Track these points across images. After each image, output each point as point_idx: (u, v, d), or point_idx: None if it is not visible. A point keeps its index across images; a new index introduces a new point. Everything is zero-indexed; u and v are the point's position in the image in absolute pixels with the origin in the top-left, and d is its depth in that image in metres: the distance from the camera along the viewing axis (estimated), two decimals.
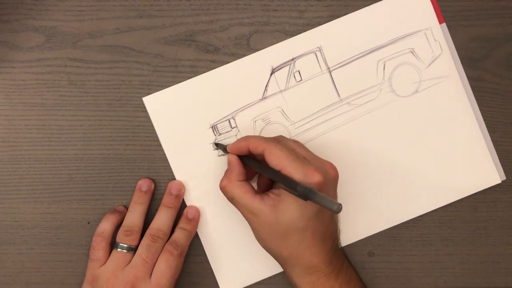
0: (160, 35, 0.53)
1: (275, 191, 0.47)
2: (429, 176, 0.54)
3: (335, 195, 0.49)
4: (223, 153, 0.52)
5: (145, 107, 0.53)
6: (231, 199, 0.48)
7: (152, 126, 0.53)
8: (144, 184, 0.52)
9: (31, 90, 0.53)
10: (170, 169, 0.53)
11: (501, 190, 0.55)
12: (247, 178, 0.49)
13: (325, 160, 0.48)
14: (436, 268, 0.55)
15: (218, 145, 0.52)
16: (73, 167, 0.53)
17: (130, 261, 0.50)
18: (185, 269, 0.52)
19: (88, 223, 0.54)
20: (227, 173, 0.49)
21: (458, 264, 0.55)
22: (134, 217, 0.51)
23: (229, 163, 0.49)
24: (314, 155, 0.48)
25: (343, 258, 0.50)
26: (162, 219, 0.51)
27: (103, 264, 0.50)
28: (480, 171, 0.54)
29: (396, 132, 0.54)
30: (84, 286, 0.50)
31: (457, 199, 0.54)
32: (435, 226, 0.55)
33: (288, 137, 0.53)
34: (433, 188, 0.54)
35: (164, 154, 0.53)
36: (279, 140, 0.48)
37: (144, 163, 0.54)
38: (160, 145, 0.53)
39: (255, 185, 0.53)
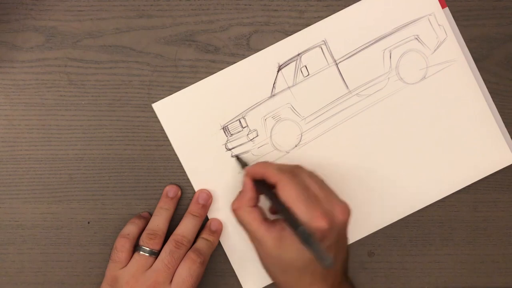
0: (160, 35, 0.53)
1: (282, 222, 0.46)
2: (444, 161, 0.54)
3: (341, 240, 0.48)
4: (240, 166, 0.53)
5: (145, 107, 0.53)
6: (240, 223, 0.48)
7: (152, 126, 0.53)
8: (171, 190, 0.53)
9: (31, 90, 0.53)
10: (170, 169, 0.53)
11: (501, 190, 0.55)
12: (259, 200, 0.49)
13: (339, 202, 0.46)
14: (436, 268, 0.55)
15: (238, 160, 0.52)
16: (73, 167, 0.54)
17: (151, 265, 0.49)
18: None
19: (88, 223, 0.54)
20: (239, 196, 0.49)
21: (458, 264, 0.55)
22: (159, 221, 0.51)
23: (243, 185, 0.49)
24: (330, 193, 0.47)
25: None
26: (187, 226, 0.51)
27: (123, 267, 0.49)
28: (493, 152, 0.54)
29: (407, 120, 0.54)
30: (103, 286, 0.50)
31: (473, 181, 0.54)
32: (435, 226, 0.55)
33: (300, 133, 0.53)
34: (447, 174, 0.54)
35: (164, 155, 0.53)
36: (295, 174, 0.46)
37: (144, 163, 0.54)
38: (160, 146, 0.53)
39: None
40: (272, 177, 0.46)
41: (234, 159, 0.53)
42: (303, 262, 0.45)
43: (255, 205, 0.48)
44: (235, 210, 0.48)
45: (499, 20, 0.54)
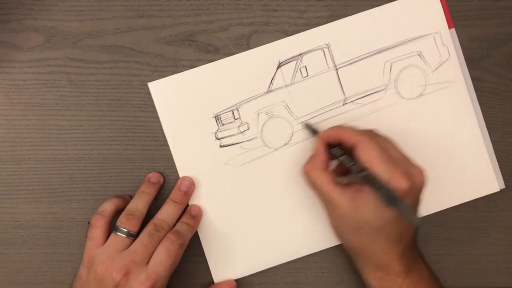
0: (160, 35, 0.53)
1: (356, 185, 0.47)
2: (429, 179, 0.54)
3: (418, 202, 0.48)
4: (308, 135, 0.53)
5: (145, 107, 0.53)
6: (312, 185, 0.49)
7: (152, 126, 0.53)
8: (153, 177, 0.53)
9: (31, 90, 0.53)
10: (171, 169, 0.53)
11: (501, 190, 0.55)
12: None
13: (415, 164, 0.47)
14: (436, 268, 0.55)
15: (307, 127, 0.53)
16: (73, 167, 0.54)
17: (128, 247, 0.49)
18: (183, 268, 0.53)
19: (88, 223, 0.54)
20: (312, 159, 0.49)
21: (458, 264, 0.55)
22: (138, 203, 0.51)
23: (315, 149, 0.49)
24: (405, 156, 0.48)
25: (415, 257, 0.50)
26: (168, 211, 0.51)
27: (100, 245, 0.49)
28: (479, 179, 0.54)
29: (399, 134, 0.54)
30: (80, 267, 0.49)
31: (455, 204, 0.54)
32: (435, 226, 0.55)
33: (290, 132, 0.53)
34: (432, 192, 0.54)
35: (164, 155, 0.53)
36: (372, 136, 0.48)
37: (144, 163, 0.54)
38: (160, 146, 0.53)
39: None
40: (351, 138, 0.47)
41: (303, 127, 0.53)
42: (380, 222, 0.46)
43: (327, 168, 0.49)
44: (307, 173, 0.49)
45: (499, 20, 0.55)
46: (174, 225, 0.51)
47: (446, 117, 0.54)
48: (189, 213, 0.52)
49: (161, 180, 0.53)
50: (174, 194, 0.52)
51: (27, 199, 0.54)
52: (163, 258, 0.48)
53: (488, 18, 0.54)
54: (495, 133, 0.55)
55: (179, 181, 0.53)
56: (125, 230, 0.49)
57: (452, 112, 0.54)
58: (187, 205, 0.53)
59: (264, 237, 0.54)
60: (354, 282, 0.55)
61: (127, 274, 0.47)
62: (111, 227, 0.50)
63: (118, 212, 0.51)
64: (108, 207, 0.51)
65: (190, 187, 0.53)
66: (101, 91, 0.53)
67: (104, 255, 0.48)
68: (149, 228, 0.49)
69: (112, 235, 0.49)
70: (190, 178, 0.53)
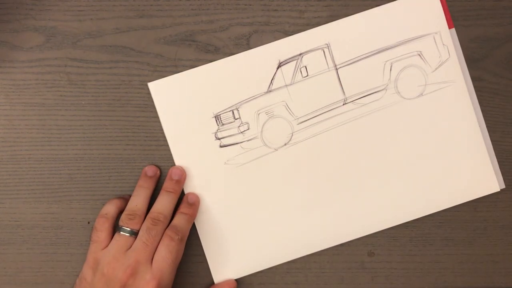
0: (160, 35, 0.53)
1: None
2: (429, 179, 0.54)
3: None
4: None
5: (145, 107, 0.53)
6: None
7: (152, 126, 0.53)
8: (150, 170, 0.53)
9: (31, 90, 0.53)
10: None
11: (501, 190, 0.55)
12: None
13: None
14: (436, 268, 0.55)
15: None
16: (73, 167, 0.54)
17: (132, 245, 0.49)
18: (184, 268, 0.53)
19: (88, 223, 0.54)
20: None
21: (458, 264, 0.55)
22: (138, 201, 0.51)
23: None
24: None
25: None
26: (162, 203, 0.51)
27: (105, 247, 0.50)
28: (479, 179, 0.54)
29: (399, 134, 0.54)
30: (84, 269, 0.50)
31: (455, 204, 0.54)
32: (435, 226, 0.55)
33: (290, 132, 0.53)
34: (432, 192, 0.54)
35: (164, 155, 0.53)
36: None
37: (144, 163, 0.54)
38: (160, 146, 0.53)
39: None
40: None
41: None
42: None
43: None
44: None
45: (499, 20, 0.55)
46: (173, 216, 0.51)
47: (446, 117, 0.54)
48: (186, 202, 0.53)
49: (158, 173, 0.53)
50: (167, 184, 0.52)
51: (27, 199, 0.54)
52: (164, 255, 0.49)
53: (488, 18, 0.54)
54: (495, 133, 0.55)
55: (169, 171, 0.53)
56: (128, 229, 0.50)
57: (452, 112, 0.54)
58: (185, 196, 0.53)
59: (264, 237, 0.54)
60: (354, 282, 0.55)
61: (133, 274, 0.48)
62: (114, 227, 0.51)
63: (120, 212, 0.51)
64: (111, 209, 0.51)
65: (182, 175, 0.53)
66: (101, 91, 0.53)
67: (110, 256, 0.49)
68: (146, 224, 0.50)
69: (116, 235, 0.50)
70: (180, 167, 0.53)
